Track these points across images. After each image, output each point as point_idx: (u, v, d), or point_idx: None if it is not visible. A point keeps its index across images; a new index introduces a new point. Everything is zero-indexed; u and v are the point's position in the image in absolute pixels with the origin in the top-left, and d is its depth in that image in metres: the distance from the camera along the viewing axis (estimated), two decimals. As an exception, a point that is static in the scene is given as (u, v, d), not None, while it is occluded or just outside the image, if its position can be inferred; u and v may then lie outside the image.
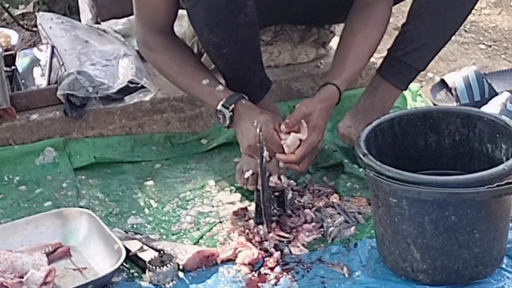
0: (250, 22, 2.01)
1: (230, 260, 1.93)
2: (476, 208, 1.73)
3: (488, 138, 1.90)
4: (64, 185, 2.26)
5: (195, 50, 2.51)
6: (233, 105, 2.02)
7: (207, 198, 2.18)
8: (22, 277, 1.86)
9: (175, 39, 2.16)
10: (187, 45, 2.20)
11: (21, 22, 3.13)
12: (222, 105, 2.03)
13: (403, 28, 2.24)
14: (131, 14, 2.63)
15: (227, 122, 2.03)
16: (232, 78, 2.15)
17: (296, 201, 2.10)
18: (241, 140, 2.04)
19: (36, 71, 2.50)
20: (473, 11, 2.25)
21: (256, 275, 1.89)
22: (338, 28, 2.56)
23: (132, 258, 1.94)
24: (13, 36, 2.87)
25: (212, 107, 2.06)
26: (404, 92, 2.36)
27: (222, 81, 2.13)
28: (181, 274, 1.90)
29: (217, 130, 2.44)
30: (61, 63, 2.46)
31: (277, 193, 2.04)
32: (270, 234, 1.99)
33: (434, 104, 2.54)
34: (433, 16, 2.18)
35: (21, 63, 2.55)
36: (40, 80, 2.48)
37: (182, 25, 2.57)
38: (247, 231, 2.01)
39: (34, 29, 3.02)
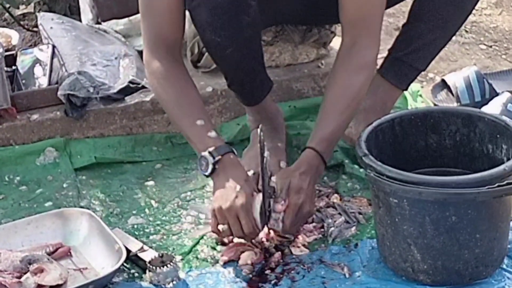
0: (253, 23, 2.01)
1: (230, 261, 1.94)
2: (476, 208, 1.73)
3: (488, 138, 1.90)
4: (64, 185, 2.26)
5: (196, 51, 2.51)
6: (219, 157, 1.90)
7: (208, 198, 2.18)
8: (20, 277, 1.86)
9: (179, 67, 2.03)
10: (189, 77, 2.03)
11: (21, 22, 3.13)
12: (209, 153, 1.90)
13: (404, 28, 2.24)
14: (132, 14, 2.64)
15: (209, 171, 1.90)
16: (233, 79, 2.15)
17: (296, 201, 2.10)
18: (215, 196, 1.90)
19: (37, 71, 2.51)
20: (474, 11, 2.25)
21: (256, 275, 1.89)
22: (339, 28, 2.55)
23: (132, 259, 1.94)
24: (14, 36, 2.87)
25: (198, 151, 1.94)
26: (404, 92, 2.36)
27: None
28: (181, 275, 1.91)
29: (218, 130, 2.43)
30: (61, 63, 2.46)
31: (278, 193, 2.04)
32: (271, 235, 1.99)
33: (435, 105, 2.54)
34: (433, 16, 2.18)
35: (21, 63, 2.55)
36: (40, 80, 2.48)
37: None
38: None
39: (35, 29, 3.02)
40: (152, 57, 2.01)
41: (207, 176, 1.93)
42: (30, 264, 1.86)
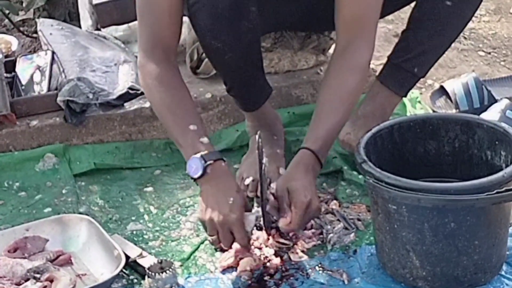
0: (253, 28, 2.01)
1: (229, 267, 1.94)
2: (475, 215, 1.73)
3: (487, 145, 1.90)
4: (64, 191, 2.26)
5: (195, 57, 2.52)
6: (211, 161, 1.88)
7: (207, 205, 2.18)
8: (19, 284, 1.86)
9: (174, 71, 2.00)
10: (183, 82, 2.01)
11: (21, 29, 3.13)
12: (201, 156, 1.87)
13: (403, 34, 2.25)
14: (131, 20, 2.65)
15: (199, 174, 1.87)
16: (233, 84, 2.16)
17: (296, 208, 2.10)
18: (205, 205, 1.88)
19: (36, 78, 2.51)
20: (473, 18, 2.25)
21: (255, 281, 1.89)
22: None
23: (131, 265, 1.94)
24: (14, 42, 2.87)
25: (188, 154, 1.90)
26: (403, 99, 2.36)
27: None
28: (180, 281, 1.91)
29: (217, 136, 2.44)
30: (61, 69, 2.47)
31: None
32: (270, 241, 1.99)
33: (434, 111, 2.55)
34: (433, 23, 2.18)
35: (21, 69, 2.55)
36: (40, 86, 2.49)
37: (183, 32, 2.58)
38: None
39: (35, 35, 3.02)
40: (148, 59, 1.99)
41: (194, 180, 1.89)
42: (37, 273, 1.87)
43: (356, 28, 1.99)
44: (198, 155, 1.88)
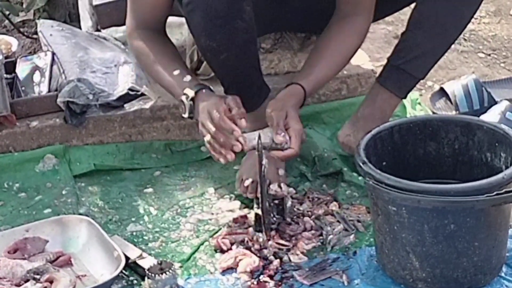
0: (248, 28, 2.01)
1: (229, 268, 1.94)
2: (475, 216, 1.73)
3: (487, 146, 1.90)
4: (64, 192, 2.26)
5: (195, 58, 2.52)
6: (193, 94, 2.03)
7: (207, 206, 2.18)
8: (19, 285, 1.86)
9: (159, 34, 2.17)
10: (170, 41, 2.20)
11: (21, 29, 3.13)
12: (184, 93, 2.04)
13: (403, 36, 2.25)
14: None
15: (187, 111, 2.04)
16: (230, 85, 2.16)
17: (295, 209, 2.10)
18: (200, 129, 2.01)
19: (36, 78, 2.51)
20: (473, 19, 2.25)
21: (255, 283, 1.90)
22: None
23: (131, 266, 1.94)
24: (14, 43, 2.87)
25: (177, 98, 2.08)
26: (403, 100, 2.36)
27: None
28: (180, 282, 1.91)
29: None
30: (61, 70, 2.47)
31: (276, 201, 2.05)
32: (270, 242, 1.99)
33: (434, 113, 2.55)
34: (432, 24, 2.18)
35: (21, 70, 2.55)
36: (40, 87, 2.49)
37: (182, 33, 2.58)
38: (246, 239, 2.01)
39: (35, 36, 3.02)
40: (135, 27, 2.16)
41: (189, 118, 2.05)
42: (37, 274, 1.87)
43: (356, 5, 2.15)
44: (183, 96, 2.04)
